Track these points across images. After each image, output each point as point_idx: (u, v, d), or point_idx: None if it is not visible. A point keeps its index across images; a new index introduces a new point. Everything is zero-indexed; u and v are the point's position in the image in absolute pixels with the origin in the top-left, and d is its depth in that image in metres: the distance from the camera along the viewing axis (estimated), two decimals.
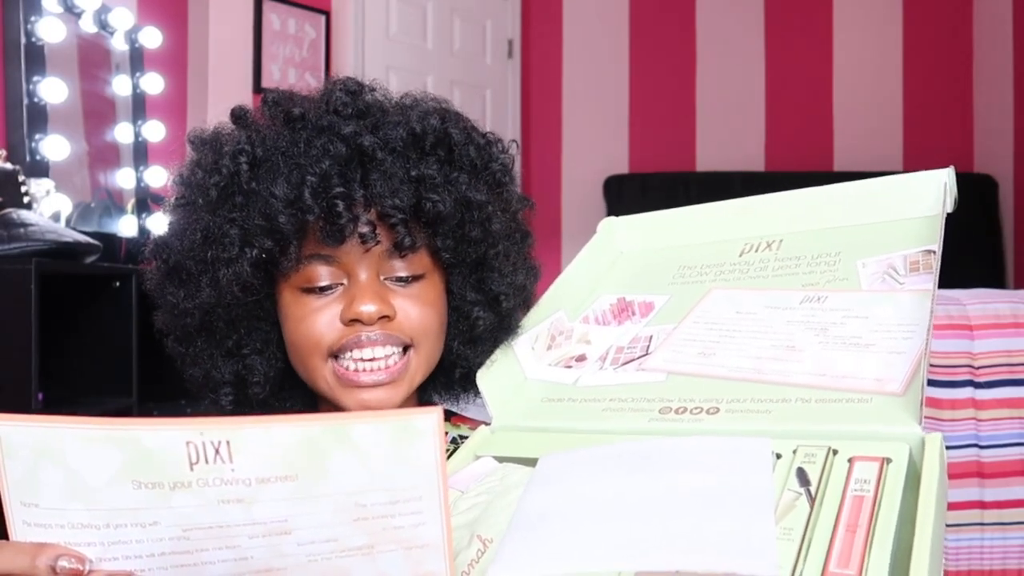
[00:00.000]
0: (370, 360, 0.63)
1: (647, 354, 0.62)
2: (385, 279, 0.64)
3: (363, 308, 0.61)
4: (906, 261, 0.59)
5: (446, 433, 0.74)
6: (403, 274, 0.64)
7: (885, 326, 0.54)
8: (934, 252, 0.57)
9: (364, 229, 0.61)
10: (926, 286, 0.56)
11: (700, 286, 0.68)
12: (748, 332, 0.59)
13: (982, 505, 1.10)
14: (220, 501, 0.39)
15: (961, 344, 1.11)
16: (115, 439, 0.38)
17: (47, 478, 0.39)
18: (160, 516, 0.39)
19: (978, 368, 1.10)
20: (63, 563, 0.40)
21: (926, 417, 1.12)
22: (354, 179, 0.61)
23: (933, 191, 0.62)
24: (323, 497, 0.39)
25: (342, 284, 0.64)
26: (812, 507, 0.41)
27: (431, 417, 0.37)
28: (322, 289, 0.63)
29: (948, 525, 1.11)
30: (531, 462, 0.53)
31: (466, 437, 0.72)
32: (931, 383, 1.11)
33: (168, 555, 0.41)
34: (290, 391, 0.71)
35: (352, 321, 0.62)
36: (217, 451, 0.38)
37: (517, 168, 0.74)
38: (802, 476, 0.43)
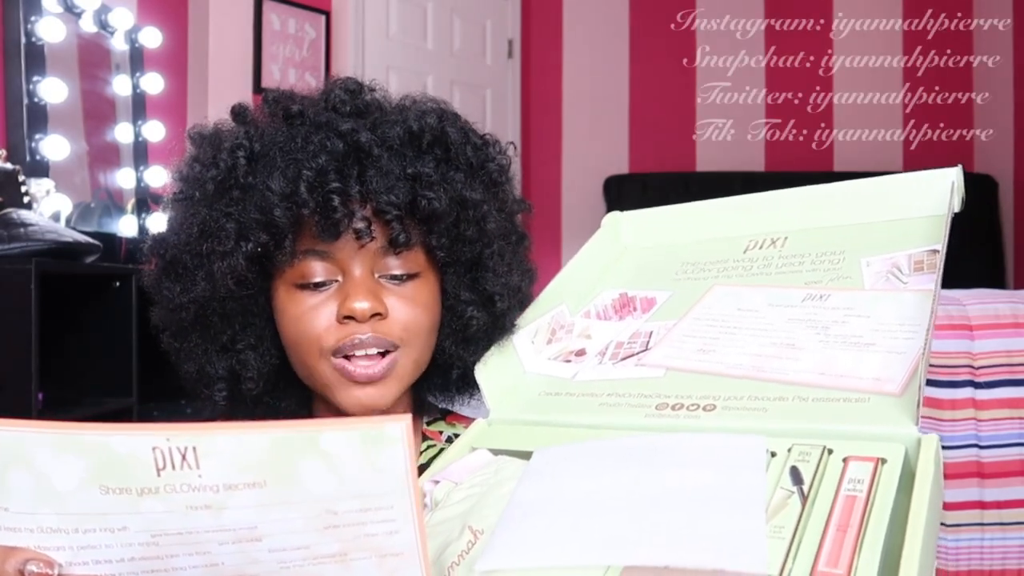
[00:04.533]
0: (363, 358, 0.63)
1: (646, 350, 0.62)
2: (380, 276, 0.64)
3: (356, 305, 0.61)
4: (911, 260, 0.59)
5: (441, 432, 0.73)
6: (398, 272, 0.64)
7: (887, 326, 0.54)
8: (938, 252, 0.57)
9: (359, 225, 0.61)
10: (928, 286, 0.56)
11: (703, 282, 0.67)
12: (749, 329, 0.59)
13: (982, 505, 1.10)
14: (188, 507, 0.38)
15: (961, 344, 1.11)
16: (82, 444, 0.38)
17: (16, 482, 0.39)
18: (129, 522, 0.39)
19: (978, 368, 1.10)
20: (32, 567, 0.40)
21: (926, 417, 1.12)
22: (350, 175, 0.61)
23: (940, 190, 0.62)
24: (293, 504, 0.38)
25: (336, 281, 0.64)
26: (804, 506, 0.41)
27: (400, 425, 0.37)
28: (316, 285, 0.63)
29: (948, 525, 1.11)
30: (526, 455, 0.53)
31: None
32: (931, 383, 1.11)
33: (138, 560, 0.40)
34: (284, 388, 0.71)
35: (346, 318, 0.62)
36: (184, 457, 0.37)
37: (517, 169, 0.74)
38: (795, 475, 0.43)
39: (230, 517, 0.39)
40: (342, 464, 0.38)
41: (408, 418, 0.37)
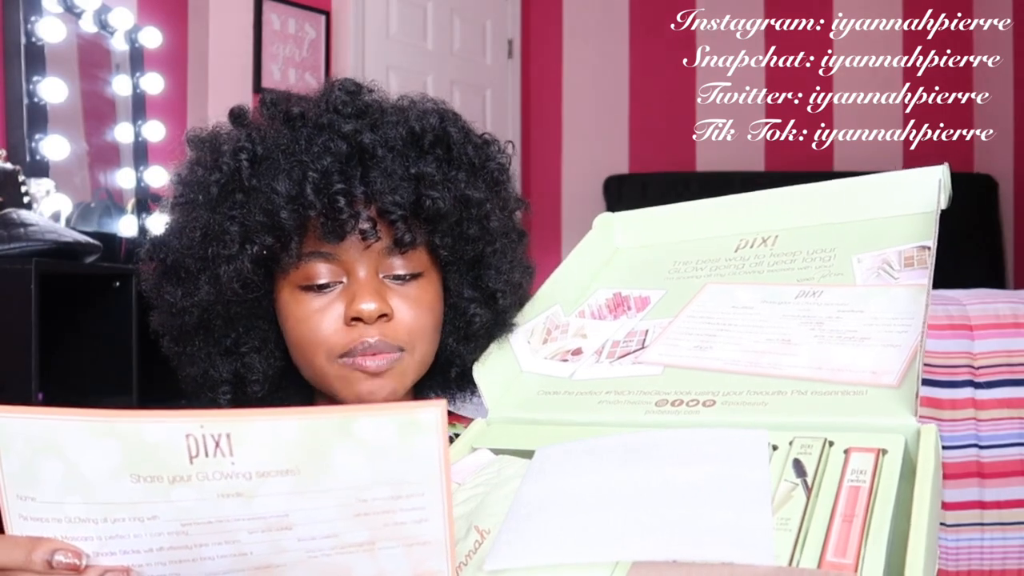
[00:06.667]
0: (371, 355, 0.63)
1: (643, 348, 0.62)
2: (384, 277, 0.64)
3: (363, 306, 0.61)
4: (901, 256, 0.60)
5: None
6: (401, 272, 0.65)
7: (880, 320, 0.54)
8: (929, 248, 0.58)
9: (365, 226, 0.61)
10: (921, 281, 0.56)
11: (696, 281, 0.68)
12: (744, 326, 0.59)
13: (982, 505, 1.10)
14: (219, 495, 0.38)
15: (961, 344, 1.11)
16: (115, 431, 0.37)
17: (45, 471, 0.38)
18: (159, 510, 0.39)
19: (978, 368, 1.10)
20: (59, 557, 0.40)
21: (926, 417, 1.12)
22: (354, 176, 0.61)
23: (928, 188, 0.63)
24: (324, 491, 0.38)
25: (341, 283, 0.64)
26: (809, 498, 0.41)
27: (435, 411, 0.37)
28: (321, 287, 0.63)
29: (948, 525, 1.11)
30: (527, 454, 0.53)
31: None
32: (931, 383, 1.11)
33: (167, 550, 0.40)
34: (288, 388, 0.71)
35: (354, 319, 0.62)
36: (217, 444, 0.37)
37: (516, 168, 0.74)
38: (798, 467, 0.43)
39: (261, 505, 0.38)
40: (375, 450, 0.37)
41: (443, 404, 0.37)
